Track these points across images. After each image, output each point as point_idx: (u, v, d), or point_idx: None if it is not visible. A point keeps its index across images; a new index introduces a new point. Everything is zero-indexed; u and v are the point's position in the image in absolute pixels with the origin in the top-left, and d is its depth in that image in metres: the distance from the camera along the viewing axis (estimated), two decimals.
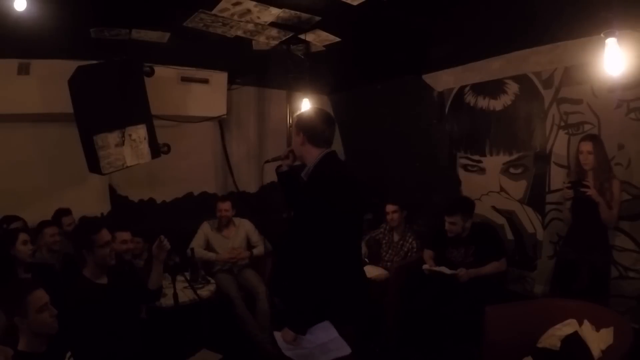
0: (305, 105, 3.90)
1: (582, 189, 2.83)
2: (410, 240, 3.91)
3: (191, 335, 3.05)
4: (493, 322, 2.53)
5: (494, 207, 3.90)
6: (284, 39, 3.23)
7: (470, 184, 4.11)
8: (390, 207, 3.92)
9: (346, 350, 1.89)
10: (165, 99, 3.77)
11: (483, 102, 3.90)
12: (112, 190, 4.14)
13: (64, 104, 3.13)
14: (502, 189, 3.83)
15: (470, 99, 4.01)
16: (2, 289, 1.87)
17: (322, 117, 2.07)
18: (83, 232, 2.34)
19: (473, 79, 3.93)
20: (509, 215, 3.79)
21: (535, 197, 3.58)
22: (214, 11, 2.72)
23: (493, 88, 3.78)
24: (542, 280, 3.52)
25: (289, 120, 4.52)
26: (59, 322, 1.84)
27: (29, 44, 2.99)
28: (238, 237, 4.03)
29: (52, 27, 2.65)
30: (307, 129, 2.03)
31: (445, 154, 4.31)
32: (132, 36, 3.08)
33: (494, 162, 3.88)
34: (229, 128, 4.71)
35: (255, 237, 4.09)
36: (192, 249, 3.70)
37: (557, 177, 3.41)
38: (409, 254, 3.87)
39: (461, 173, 4.19)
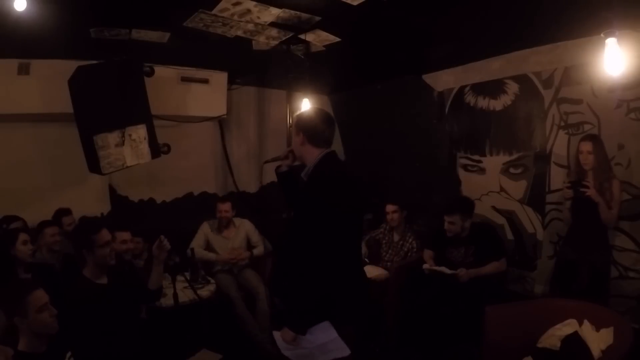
0: (305, 105, 3.90)
1: (582, 189, 2.83)
2: (410, 240, 3.91)
3: (191, 335, 3.05)
4: (493, 322, 2.53)
5: (494, 207, 3.90)
6: (284, 39, 3.23)
7: (470, 184, 4.11)
8: (390, 207, 3.92)
9: (345, 351, 1.89)
10: (165, 99, 3.77)
11: (483, 102, 3.90)
12: (112, 190, 4.14)
13: (64, 104, 3.13)
14: (502, 189, 3.83)
15: (470, 99, 4.01)
16: (2, 289, 1.87)
17: (322, 117, 2.07)
18: (83, 232, 2.34)
19: (473, 79, 3.93)
20: (509, 215, 3.79)
21: (535, 197, 3.58)
22: (214, 11, 2.72)
23: (493, 88, 3.78)
24: (542, 280, 3.52)
25: (289, 120, 4.52)
26: (59, 322, 1.84)
27: (29, 44, 2.99)
28: (238, 237, 4.03)
29: (52, 27, 2.64)
30: (307, 129, 2.03)
31: (445, 154, 4.31)
32: (132, 36, 3.08)
33: (494, 162, 3.88)
34: (229, 128, 4.71)
35: (256, 237, 4.09)
36: (192, 249, 3.70)
37: (557, 177, 3.41)
38: (409, 254, 3.87)
39: (461, 173, 4.19)
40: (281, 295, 3.00)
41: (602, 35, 2.42)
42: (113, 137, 3.11)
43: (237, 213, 4.09)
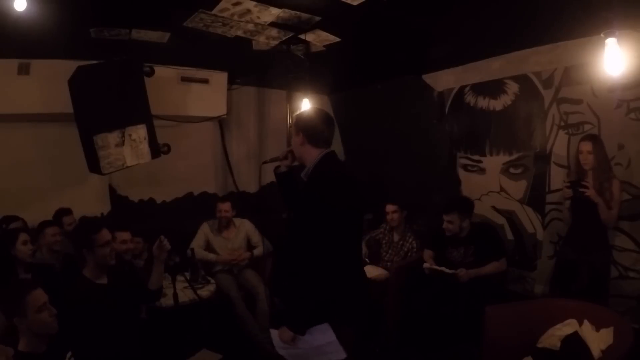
0: (305, 105, 3.90)
1: (581, 189, 2.83)
2: (410, 240, 3.91)
3: (191, 335, 3.05)
4: (493, 322, 2.53)
5: (494, 207, 3.90)
6: (284, 39, 3.23)
7: (470, 184, 4.11)
8: (390, 207, 3.92)
9: (341, 354, 1.88)
10: (165, 99, 3.77)
11: (483, 102, 3.90)
12: (112, 190, 4.14)
13: (64, 104, 3.13)
14: (502, 189, 3.83)
15: (470, 99, 4.01)
16: (2, 290, 1.87)
17: (322, 117, 2.06)
18: (83, 232, 2.34)
19: (473, 79, 3.93)
20: (509, 215, 3.79)
21: (535, 197, 3.58)
22: (214, 11, 2.72)
23: (493, 88, 3.78)
24: (542, 280, 3.52)
25: (289, 120, 4.52)
26: (59, 322, 1.84)
27: (29, 44, 2.99)
28: (238, 238, 4.03)
29: (52, 27, 2.64)
30: (306, 129, 2.02)
31: (445, 154, 4.31)
32: (132, 36, 3.08)
33: (494, 162, 3.88)
34: (229, 128, 4.71)
35: (256, 237, 4.08)
36: (192, 249, 3.70)
37: (557, 177, 3.40)
38: (409, 254, 3.87)
39: (461, 173, 4.19)
40: (281, 295, 3.00)
41: (602, 35, 2.42)
42: (113, 137, 3.11)
43: (237, 213, 4.09)
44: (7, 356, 1.79)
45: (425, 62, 3.97)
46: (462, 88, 4.07)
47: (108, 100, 3.09)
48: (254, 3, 2.64)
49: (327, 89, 4.99)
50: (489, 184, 3.92)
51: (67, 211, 3.52)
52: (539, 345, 2.37)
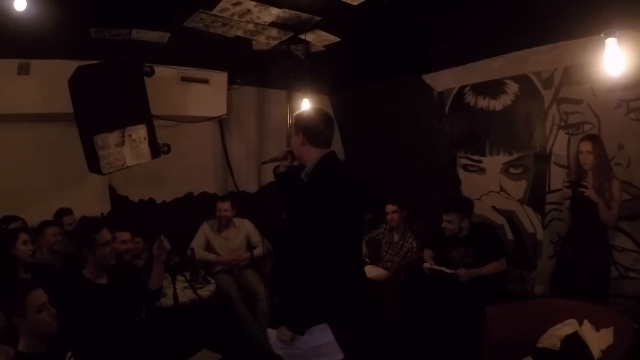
0: (305, 105, 3.90)
1: (580, 189, 2.83)
2: (410, 240, 3.91)
3: (191, 335, 3.05)
4: (493, 322, 2.53)
5: (494, 207, 3.90)
6: (284, 39, 3.23)
7: (470, 184, 4.11)
8: (390, 207, 3.92)
9: (339, 355, 1.88)
10: (165, 99, 3.77)
11: (483, 102, 3.90)
12: (112, 190, 4.14)
13: (64, 104, 3.13)
14: (502, 189, 3.83)
15: (470, 99, 4.01)
16: (1, 290, 1.87)
17: (322, 117, 2.06)
18: (84, 232, 2.34)
19: (473, 79, 3.93)
20: (509, 215, 3.79)
21: (535, 197, 3.58)
22: (214, 11, 2.72)
23: (493, 88, 3.78)
24: (542, 280, 3.52)
25: (289, 120, 4.52)
26: (59, 322, 1.84)
27: (29, 44, 2.99)
28: (238, 238, 4.03)
29: (52, 27, 2.64)
30: (306, 129, 2.02)
31: (445, 154, 4.31)
32: (132, 36, 3.08)
33: (494, 162, 3.88)
34: (229, 128, 4.71)
35: (256, 237, 4.08)
36: (192, 249, 3.70)
37: (557, 177, 3.40)
38: (409, 254, 3.87)
39: (461, 173, 4.19)
40: (281, 295, 3.00)
41: (602, 35, 2.43)
42: (113, 137, 3.11)
43: (237, 213, 4.09)
44: (7, 356, 1.79)
45: (425, 62, 3.97)
46: (462, 88, 4.07)
47: (108, 100, 3.09)
48: (254, 3, 2.64)
49: (327, 89, 4.99)
50: (489, 184, 3.92)
51: (67, 211, 3.52)
52: (539, 345, 2.37)
